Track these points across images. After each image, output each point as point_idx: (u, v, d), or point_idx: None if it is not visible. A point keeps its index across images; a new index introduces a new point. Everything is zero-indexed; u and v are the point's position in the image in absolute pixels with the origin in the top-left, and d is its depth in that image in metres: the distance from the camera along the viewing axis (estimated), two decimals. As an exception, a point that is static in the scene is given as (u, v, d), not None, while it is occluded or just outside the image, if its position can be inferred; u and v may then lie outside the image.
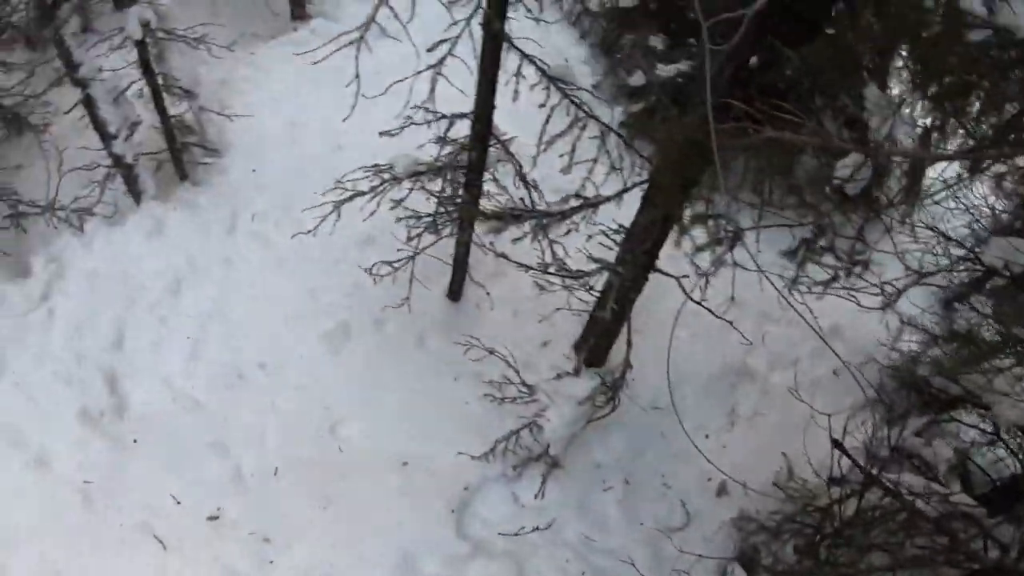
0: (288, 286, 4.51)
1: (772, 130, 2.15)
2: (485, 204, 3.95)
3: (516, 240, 3.51)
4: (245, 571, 3.78)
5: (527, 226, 3.56)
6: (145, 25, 4.25)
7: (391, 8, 2.83)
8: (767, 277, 2.74)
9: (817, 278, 3.54)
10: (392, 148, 4.05)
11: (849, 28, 2.77)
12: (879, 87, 3.43)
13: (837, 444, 3.55)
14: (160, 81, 4.63)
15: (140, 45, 4.33)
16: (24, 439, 4.10)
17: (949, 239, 3.81)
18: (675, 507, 4.15)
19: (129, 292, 4.46)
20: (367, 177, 3.87)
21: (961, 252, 3.90)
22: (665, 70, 4.80)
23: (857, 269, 3.48)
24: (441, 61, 2.99)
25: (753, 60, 2.65)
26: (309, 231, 4.07)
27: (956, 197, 4.33)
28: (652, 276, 3.66)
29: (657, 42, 5.40)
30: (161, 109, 4.74)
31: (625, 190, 3.37)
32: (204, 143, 5.01)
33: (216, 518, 3.93)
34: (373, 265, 4.21)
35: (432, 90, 3.14)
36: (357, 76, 2.96)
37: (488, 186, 3.97)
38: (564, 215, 3.52)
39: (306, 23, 6.12)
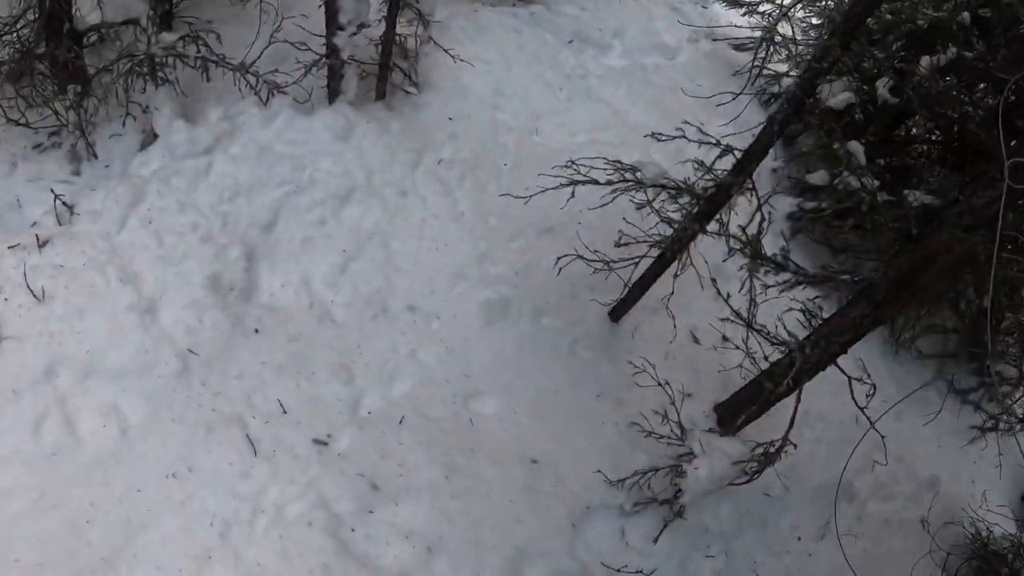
0: (460, 243, 4.96)
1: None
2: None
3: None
4: (340, 510, 3.96)
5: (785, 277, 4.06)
6: None
7: None
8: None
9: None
10: (587, 151, 4.70)
11: None
12: None
13: None
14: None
15: None
16: (139, 279, 4.37)
17: None
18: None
19: (298, 181, 4.87)
20: (604, 168, 4.38)
21: None
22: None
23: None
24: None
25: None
26: (522, 198, 4.54)
27: None
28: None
29: (857, 148, 6.13)
30: (392, 21, 5.29)
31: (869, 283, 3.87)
32: (412, 73, 5.57)
33: (324, 444, 4.14)
34: (564, 256, 4.66)
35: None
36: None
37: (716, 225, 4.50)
38: (820, 280, 4.05)
39: (526, 5, 6.89)
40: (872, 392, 3.90)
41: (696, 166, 4.18)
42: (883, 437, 4.00)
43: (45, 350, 4.14)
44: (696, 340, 5.12)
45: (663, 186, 4.32)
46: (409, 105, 5.64)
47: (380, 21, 5.25)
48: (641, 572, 4.32)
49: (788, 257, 4.08)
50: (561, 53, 6.31)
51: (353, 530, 4.02)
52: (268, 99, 5.21)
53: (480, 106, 5.78)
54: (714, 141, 4.07)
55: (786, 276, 3.98)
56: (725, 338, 4.81)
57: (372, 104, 5.53)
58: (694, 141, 4.11)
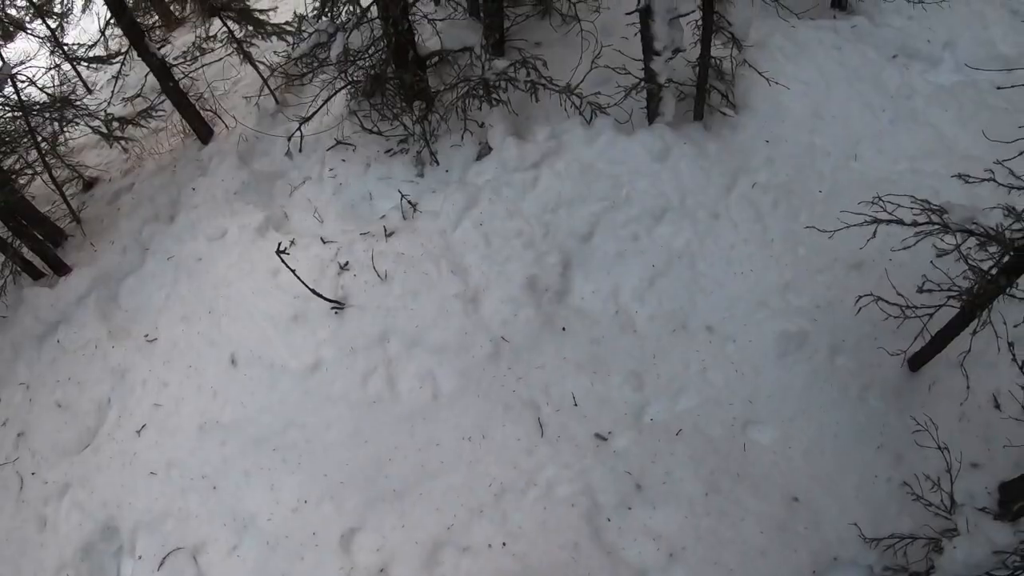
0: (766, 269, 5.87)
1: None
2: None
3: None
4: (603, 500, 5.10)
5: None
6: None
7: None
8: None
9: None
10: (910, 183, 5.12)
11: None
12: None
13: None
14: (715, 19, 6.25)
15: None
16: (467, 272, 5.89)
17: None
18: None
19: (615, 198, 6.19)
20: (912, 208, 4.87)
21: None
22: None
23: None
24: None
25: None
26: (827, 232, 5.24)
27: None
28: None
29: None
30: (706, 45, 6.41)
31: None
32: (729, 94, 6.60)
33: (604, 439, 5.23)
34: (865, 296, 5.23)
35: None
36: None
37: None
38: None
39: (847, 17, 7.54)
40: None
41: (1006, 213, 4.56)
42: None
43: (382, 320, 5.80)
44: (997, 406, 5.34)
45: (970, 232, 4.76)
46: (726, 126, 6.67)
47: (695, 44, 6.37)
48: None
49: None
50: (885, 70, 6.90)
51: (609, 520, 5.09)
52: (592, 119, 6.56)
53: (797, 129, 6.65)
54: None
55: None
56: (998, 406, 5.03)
57: (690, 125, 6.67)
58: (1004, 185, 4.49)
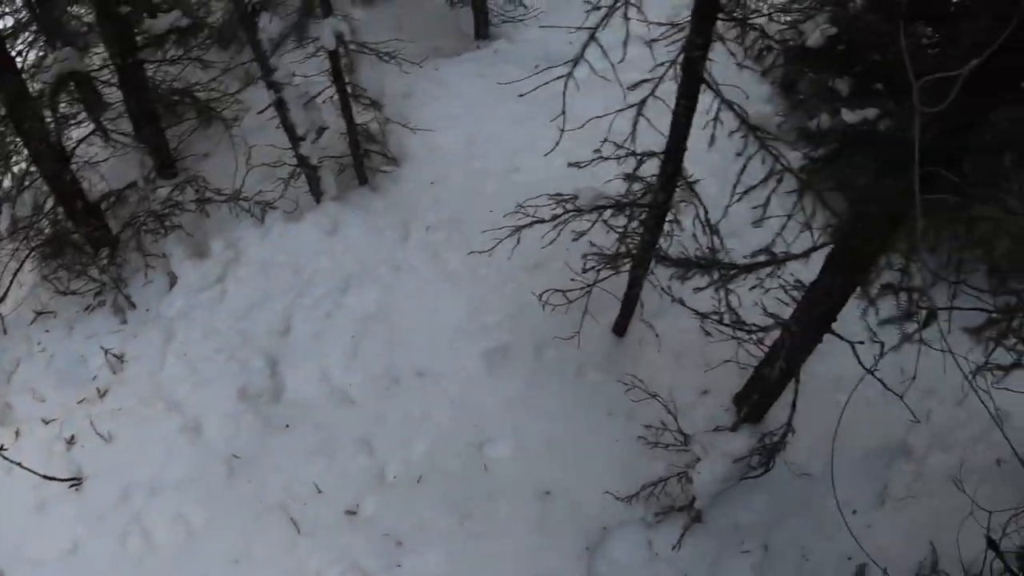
0: (454, 300, 6.39)
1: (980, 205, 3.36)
2: (662, 247, 5.56)
3: (698, 290, 5.07)
4: (372, 569, 5.44)
5: (712, 276, 5.09)
6: (339, 36, 6.44)
7: (600, 46, 4.42)
8: (957, 361, 3.97)
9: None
10: (569, 178, 5.87)
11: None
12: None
13: (992, 544, 4.65)
14: (349, 90, 6.84)
15: (333, 55, 6.57)
16: (182, 404, 6.13)
17: None
18: (812, 582, 5.36)
19: (299, 284, 6.53)
20: (549, 205, 5.63)
21: None
22: (850, 116, 6.39)
23: None
24: (644, 102, 4.68)
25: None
26: (485, 251, 5.89)
27: None
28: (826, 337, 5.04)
29: (843, 85, 7.07)
30: (348, 117, 6.95)
31: (814, 249, 4.82)
32: (385, 152, 7.19)
33: (353, 513, 5.63)
34: (545, 292, 5.95)
35: (634, 129, 4.81)
36: (564, 113, 4.74)
37: (670, 226, 5.61)
38: (750, 269, 5.04)
39: (488, 43, 8.38)
40: (881, 351, 4.65)
41: (623, 178, 5.36)
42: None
43: (118, 480, 5.97)
44: (708, 334, 6.10)
45: (602, 207, 5.55)
46: (391, 181, 7.23)
47: (338, 117, 6.88)
48: None
49: (713, 256, 5.12)
50: (529, 81, 7.50)
51: None
52: (263, 217, 6.94)
53: (457, 161, 7.29)
54: (631, 151, 5.18)
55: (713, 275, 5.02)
56: (708, 333, 5.83)
57: (356, 191, 7.18)
58: (610, 158, 5.27)
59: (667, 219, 5.47)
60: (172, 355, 6.37)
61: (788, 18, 7.91)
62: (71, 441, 6.32)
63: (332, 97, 6.84)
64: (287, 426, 6.02)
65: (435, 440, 5.89)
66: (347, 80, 6.80)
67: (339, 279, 6.59)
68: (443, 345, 6.26)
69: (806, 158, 7.19)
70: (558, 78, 4.63)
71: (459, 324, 6.35)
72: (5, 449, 5.86)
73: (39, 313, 7.28)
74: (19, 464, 5.92)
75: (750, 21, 4.59)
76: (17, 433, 6.52)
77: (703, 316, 5.43)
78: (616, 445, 5.83)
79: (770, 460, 5.44)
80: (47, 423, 6.51)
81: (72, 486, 6.12)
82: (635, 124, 4.87)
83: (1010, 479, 5.36)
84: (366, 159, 7.20)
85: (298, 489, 5.78)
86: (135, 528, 5.83)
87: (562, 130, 4.89)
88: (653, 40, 4.50)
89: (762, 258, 4.92)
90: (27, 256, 7.31)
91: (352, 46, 6.71)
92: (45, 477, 6.07)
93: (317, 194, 7.07)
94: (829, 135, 7.12)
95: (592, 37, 4.56)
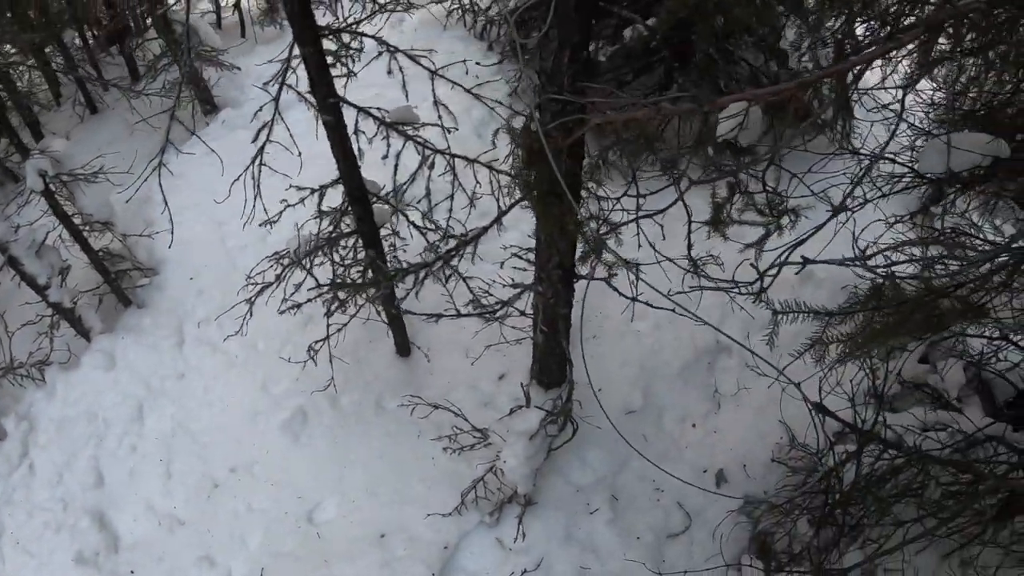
0: (240, 386, 6.58)
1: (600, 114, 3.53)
2: (396, 262, 5.75)
3: (409, 290, 5.26)
4: None
5: (417, 275, 5.29)
6: (43, 175, 6.47)
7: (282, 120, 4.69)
8: (664, 271, 4.23)
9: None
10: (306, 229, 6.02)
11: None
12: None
13: (819, 407, 4.98)
14: (77, 221, 6.89)
15: (47, 193, 6.58)
16: None
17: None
18: (672, 511, 5.75)
19: (96, 430, 6.70)
20: (271, 267, 5.79)
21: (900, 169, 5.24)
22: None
23: (786, 220, 4.89)
24: (261, 150, 4.87)
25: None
26: (237, 332, 6.06)
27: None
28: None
29: None
30: (86, 248, 7.02)
31: (502, 214, 5.06)
32: (138, 265, 7.26)
33: None
34: (312, 344, 6.13)
35: (255, 179, 5.00)
36: (249, 202, 4.96)
37: (395, 240, 5.81)
38: (448, 258, 5.23)
39: (215, 115, 8.42)
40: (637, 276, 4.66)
41: (314, 217, 5.55)
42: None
43: None
44: (485, 319, 6.31)
45: (312, 251, 5.72)
46: (155, 290, 7.36)
47: (77, 251, 6.97)
48: (526, 571, 5.66)
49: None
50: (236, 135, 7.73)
51: None
52: (43, 375, 7.06)
53: (209, 247, 7.41)
54: (313, 189, 5.34)
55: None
56: (486, 319, 6.05)
57: (125, 313, 7.29)
58: (296, 203, 5.42)
59: (385, 234, 5.70)
60: (6, 548, 6.51)
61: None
62: None
63: (62, 234, 6.91)
64: (132, 573, 6.23)
65: (266, 527, 6.11)
66: (71, 213, 6.88)
67: (132, 409, 6.75)
68: (244, 433, 6.47)
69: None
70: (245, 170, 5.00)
71: (251, 407, 6.55)
72: None
73: None
74: None
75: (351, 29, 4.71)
76: None
77: (437, 317, 5.59)
78: (433, 463, 6.11)
79: (567, 421, 5.72)
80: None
81: None
82: (256, 175, 5.14)
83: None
84: (123, 279, 7.30)
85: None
86: None
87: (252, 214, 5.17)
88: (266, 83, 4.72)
89: (452, 243, 5.15)
90: None
91: (64, 178, 6.78)
92: None
93: (85, 333, 7.18)
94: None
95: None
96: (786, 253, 4.56)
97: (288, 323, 6.59)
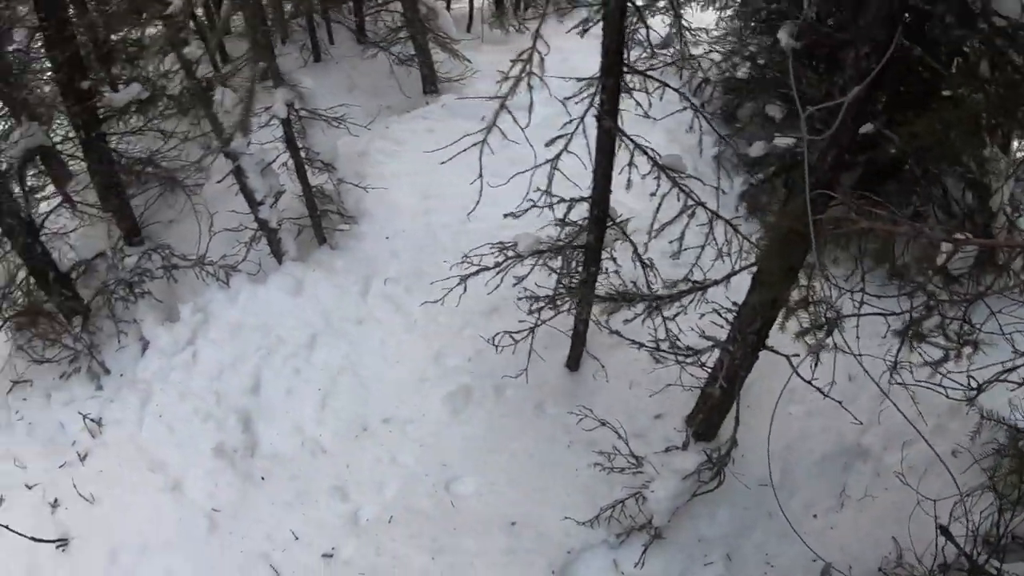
0: (415, 349, 6.98)
1: (868, 220, 4.03)
2: (602, 283, 6.24)
3: (627, 321, 5.75)
4: None
5: (640, 307, 5.79)
6: (289, 105, 7.08)
7: (510, 113, 5.10)
8: (861, 364, 4.68)
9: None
10: (518, 226, 6.53)
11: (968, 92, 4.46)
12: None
13: (943, 530, 5.38)
14: (303, 155, 7.48)
15: (285, 123, 7.18)
16: (163, 465, 6.65)
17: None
18: (774, 587, 5.99)
19: (267, 343, 7.09)
20: (492, 253, 6.29)
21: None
22: (782, 141, 7.19)
23: (967, 351, 5.39)
24: (557, 156, 5.41)
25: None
26: (437, 301, 6.53)
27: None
28: (765, 353, 5.74)
29: (775, 111, 7.90)
30: (303, 180, 7.58)
31: (732, 274, 5.55)
32: (342, 211, 7.82)
33: (330, 556, 6.19)
34: (496, 335, 6.58)
35: (549, 182, 5.53)
36: (480, 176, 5.40)
37: (607, 264, 6.30)
38: (673, 298, 5.75)
39: (437, 98, 9.10)
40: (816, 361, 5.18)
41: (556, 224, 6.04)
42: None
43: (105, 540, 6.47)
44: (656, 361, 6.71)
45: (539, 252, 6.22)
46: (351, 238, 7.85)
47: (295, 181, 7.52)
48: None
49: (635, 292, 5.82)
50: (477, 132, 8.19)
51: None
52: (228, 280, 7.54)
53: (413, 215, 7.93)
54: (561, 198, 5.86)
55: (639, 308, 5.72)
56: (657, 360, 6.47)
57: (317, 250, 7.79)
58: (543, 207, 5.92)
59: (602, 257, 6.18)
60: (149, 417, 6.90)
61: (720, 52, 8.77)
62: (55, 504, 6.82)
63: (287, 162, 7.47)
64: (263, 479, 6.57)
65: (404, 482, 6.45)
66: (300, 145, 7.44)
67: (306, 336, 7.18)
68: (408, 392, 6.86)
69: (746, 184, 8.00)
70: (473, 145, 5.28)
71: (422, 371, 6.95)
72: (-9, 516, 6.37)
73: (15, 382, 7.78)
74: (6, 527, 6.44)
75: (650, 74, 5.27)
76: (1, 499, 7.03)
77: (640, 345, 6.06)
78: (576, 473, 6.43)
79: (719, 473, 6.07)
80: (30, 488, 7.01)
81: (59, 547, 6.63)
82: (551, 178, 5.60)
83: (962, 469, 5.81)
84: (324, 219, 7.82)
85: (277, 537, 6.30)
86: None
87: (481, 191, 5.60)
88: (567, 97, 5.24)
89: (684, 287, 5.65)
90: (1, 327, 7.84)
91: (303, 112, 7.39)
92: (32, 539, 6.54)
93: (279, 255, 7.67)
94: (765, 161, 7.92)
95: (502, 106, 5.25)
96: (1004, 371, 5.07)
97: (473, 307, 7.04)
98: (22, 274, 7.61)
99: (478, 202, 5.63)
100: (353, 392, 6.89)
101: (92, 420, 7.16)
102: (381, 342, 7.12)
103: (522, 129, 5.02)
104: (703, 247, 5.74)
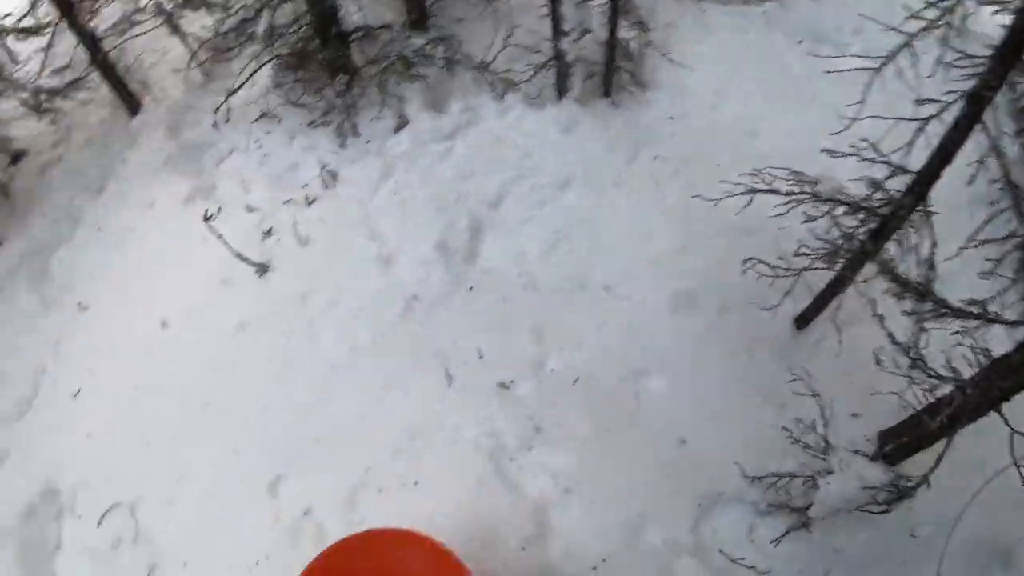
0: (662, 232, 6.63)
1: None
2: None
3: (907, 314, 5.10)
4: (505, 441, 5.83)
5: (921, 307, 5.16)
6: None
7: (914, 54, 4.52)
8: None
9: None
10: (804, 161, 6.00)
11: None
12: None
13: None
14: (620, 3, 7.07)
15: None
16: (382, 237, 6.62)
17: None
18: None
19: (523, 167, 6.92)
20: (787, 179, 5.77)
21: None
22: None
23: None
24: (927, 120, 4.65)
25: None
26: (712, 200, 6.09)
27: None
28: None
29: None
30: (612, 28, 7.20)
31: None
32: (636, 73, 7.43)
33: (506, 387, 6.00)
34: (749, 259, 6.09)
35: (909, 147, 4.86)
36: (862, 102, 4.83)
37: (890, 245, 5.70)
38: (959, 315, 5.02)
39: (760, 3, 8.49)
40: None
41: (869, 184, 5.49)
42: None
43: (303, 282, 6.51)
44: (879, 362, 6.21)
45: (839, 200, 5.69)
46: (633, 103, 7.49)
47: (604, 25, 7.19)
48: (755, 568, 5.46)
49: (929, 286, 5.21)
50: (788, 54, 7.72)
51: (511, 459, 5.81)
52: (504, 95, 7.34)
53: (700, 106, 7.48)
54: (885, 160, 5.32)
55: (927, 306, 5.12)
56: (878, 362, 5.90)
57: (598, 101, 7.47)
58: (867, 160, 5.39)
59: (891, 238, 5.60)
60: (386, 189, 6.84)
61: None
62: (268, 233, 6.92)
63: (603, 4, 7.13)
64: (471, 289, 6.41)
65: (601, 352, 6.14)
66: None
67: (561, 176, 6.89)
68: (638, 269, 6.49)
69: None
70: (863, 68, 4.71)
71: (659, 256, 6.57)
72: (212, 219, 6.47)
73: (264, 114, 7.91)
74: (220, 236, 6.55)
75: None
76: (220, 210, 7.17)
77: (894, 342, 5.49)
78: (761, 427, 5.89)
79: (893, 502, 5.53)
80: (250, 211, 7.14)
81: (258, 272, 6.73)
82: (911, 142, 4.98)
83: None
84: (616, 74, 7.47)
85: (462, 347, 6.18)
86: (304, 329, 6.40)
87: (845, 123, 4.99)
88: (950, 63, 4.61)
89: (974, 310, 5.01)
90: (269, 60, 7.93)
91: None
92: (238, 256, 6.68)
93: (562, 91, 7.38)
94: None
95: (907, 44, 4.66)
96: None
97: (732, 220, 6.52)
98: (306, 19, 7.61)
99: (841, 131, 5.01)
100: (585, 247, 6.61)
101: (329, 172, 7.18)
102: (629, 211, 6.78)
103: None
104: (1014, 281, 5.06)
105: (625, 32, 7.37)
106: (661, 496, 5.70)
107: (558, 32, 7.16)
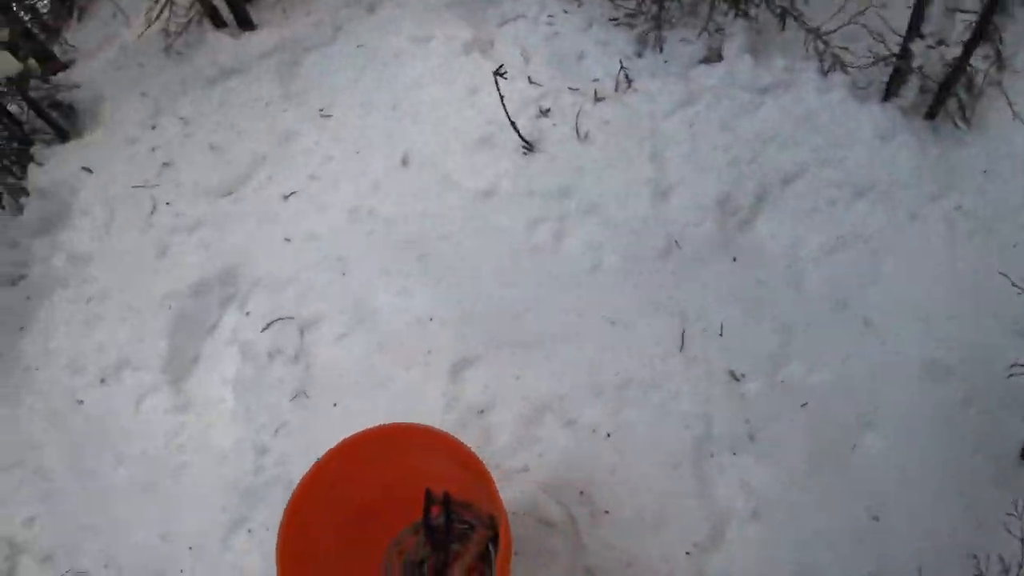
0: (941, 288, 6.05)
1: None
2: None
3: None
4: (715, 432, 5.47)
5: None
6: None
7: None
8: None
9: None
10: None
11: None
12: None
13: None
14: (989, 28, 6.30)
15: None
16: (665, 164, 6.30)
17: None
18: None
19: (827, 155, 6.44)
20: None
21: None
22: None
23: None
24: None
25: None
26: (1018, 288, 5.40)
27: None
28: None
29: None
30: (970, 50, 6.42)
31: None
32: (967, 106, 6.76)
33: (736, 379, 5.65)
34: (1017, 366, 5.41)
35: None
36: None
37: None
38: None
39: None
40: None
41: None
42: None
43: (566, 175, 6.18)
44: None
45: None
46: (951, 137, 6.82)
47: (959, 44, 6.48)
48: None
49: None
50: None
51: (712, 455, 5.43)
52: (828, 71, 6.72)
53: (1018, 171, 6.75)
54: None
55: None
56: None
57: (920, 119, 6.82)
58: None
59: None
60: (682, 117, 6.36)
61: None
62: (545, 112, 6.55)
63: (970, 22, 6.38)
64: (735, 259, 5.99)
65: (837, 383, 5.66)
66: (993, 19, 6.35)
67: (861, 181, 6.31)
68: (903, 318, 5.90)
69: None
70: None
71: (929, 314, 5.92)
72: (503, 75, 6.02)
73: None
74: (502, 98, 6.22)
75: None
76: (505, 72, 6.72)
77: None
78: (952, 541, 5.25)
79: None
80: (532, 83, 6.72)
81: (524, 148, 6.37)
82: None
83: None
84: (949, 100, 6.78)
85: (707, 316, 5.78)
86: (552, 224, 6.12)
87: None
88: None
89: None
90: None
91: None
92: (512, 123, 6.33)
93: (890, 92, 6.74)
94: None
95: None
96: None
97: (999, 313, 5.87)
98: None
99: None
100: (862, 267, 6.09)
101: (626, 76, 6.75)
102: (915, 252, 6.19)
103: None
104: None
105: (979, 61, 6.67)
106: (838, 560, 5.23)
107: (913, 31, 6.50)
